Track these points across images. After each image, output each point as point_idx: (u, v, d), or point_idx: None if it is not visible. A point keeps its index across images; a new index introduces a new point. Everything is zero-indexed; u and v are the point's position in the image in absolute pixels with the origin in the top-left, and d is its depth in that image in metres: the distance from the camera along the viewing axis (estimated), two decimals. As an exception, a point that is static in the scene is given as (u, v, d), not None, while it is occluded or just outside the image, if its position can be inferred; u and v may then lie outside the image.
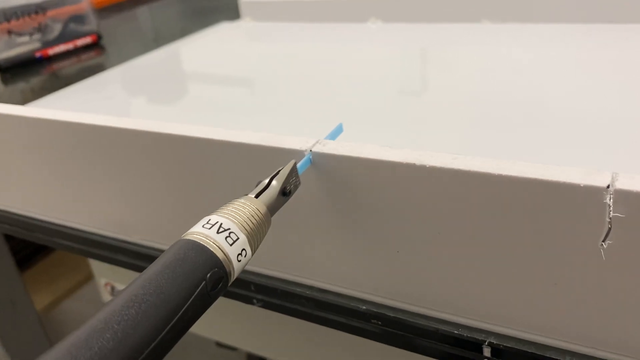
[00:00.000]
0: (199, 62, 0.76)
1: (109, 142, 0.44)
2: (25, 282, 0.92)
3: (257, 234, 0.28)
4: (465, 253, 0.33)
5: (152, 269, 0.25)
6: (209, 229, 0.27)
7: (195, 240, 0.26)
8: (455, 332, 0.35)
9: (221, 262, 0.26)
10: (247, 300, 0.44)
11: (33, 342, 0.91)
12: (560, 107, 0.46)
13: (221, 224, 0.27)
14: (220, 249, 0.26)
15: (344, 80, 0.60)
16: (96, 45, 0.90)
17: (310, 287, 0.41)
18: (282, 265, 0.42)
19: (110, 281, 0.78)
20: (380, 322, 0.38)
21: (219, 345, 0.75)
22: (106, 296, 0.80)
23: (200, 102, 0.60)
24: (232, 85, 0.65)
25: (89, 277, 1.07)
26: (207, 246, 0.26)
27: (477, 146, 0.42)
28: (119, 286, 0.77)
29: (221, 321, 0.67)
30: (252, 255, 0.28)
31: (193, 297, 0.24)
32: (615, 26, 0.65)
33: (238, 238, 0.27)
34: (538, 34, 0.67)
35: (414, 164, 0.31)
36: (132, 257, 0.49)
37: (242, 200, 0.29)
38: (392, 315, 0.37)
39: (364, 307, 0.38)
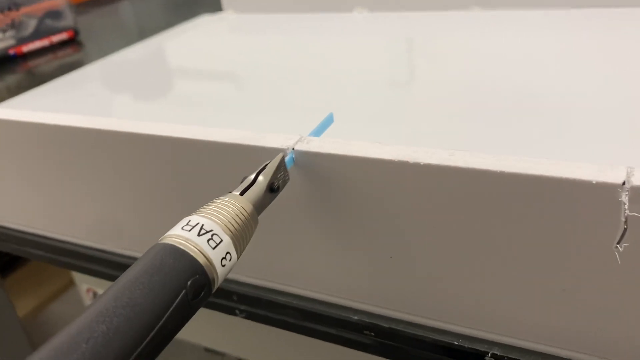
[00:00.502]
0: (180, 56, 0.75)
1: (83, 144, 0.42)
2: (7, 288, 0.91)
3: (242, 235, 0.27)
4: (465, 257, 0.31)
5: (125, 278, 0.23)
6: (189, 231, 0.25)
7: (174, 244, 0.24)
8: (456, 342, 0.34)
9: (203, 267, 0.24)
10: (229, 311, 0.43)
11: (15, 348, 0.90)
12: (563, 97, 0.45)
13: (202, 225, 0.25)
14: (201, 253, 0.24)
15: (331, 73, 0.59)
16: (73, 41, 0.90)
17: (297, 296, 0.40)
18: (266, 273, 0.41)
19: (92, 287, 0.77)
20: (373, 333, 0.37)
21: (208, 350, 0.74)
22: (88, 302, 0.79)
23: (182, 97, 0.59)
24: (215, 80, 0.64)
25: (72, 281, 1.07)
26: (187, 250, 0.24)
27: (474, 140, 0.41)
28: (101, 292, 0.75)
29: (208, 327, 0.66)
30: (238, 258, 0.27)
31: (172, 308, 0.22)
32: (610, 10, 0.64)
33: (222, 240, 0.25)
34: (531, 20, 0.66)
35: (407, 161, 0.30)
36: (109, 267, 0.48)
37: (225, 199, 0.27)
38: (386, 325, 0.36)
39: (356, 317, 0.37)
